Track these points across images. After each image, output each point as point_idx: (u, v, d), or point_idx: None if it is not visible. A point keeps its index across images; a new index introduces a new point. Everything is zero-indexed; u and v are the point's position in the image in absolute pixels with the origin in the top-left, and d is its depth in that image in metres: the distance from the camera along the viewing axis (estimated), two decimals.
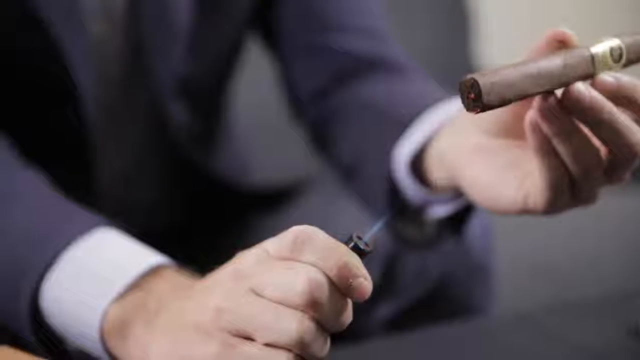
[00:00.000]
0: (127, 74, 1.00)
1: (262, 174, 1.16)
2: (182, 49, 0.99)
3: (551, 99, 0.67)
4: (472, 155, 0.77)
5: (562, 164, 0.71)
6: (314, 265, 0.62)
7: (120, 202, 1.04)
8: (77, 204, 0.81)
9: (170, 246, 0.84)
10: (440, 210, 0.89)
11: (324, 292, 0.61)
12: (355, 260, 0.62)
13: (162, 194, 1.10)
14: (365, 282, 0.62)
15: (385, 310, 1.00)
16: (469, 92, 0.64)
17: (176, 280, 0.72)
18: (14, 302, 0.76)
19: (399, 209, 0.91)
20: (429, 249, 0.94)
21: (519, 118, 0.73)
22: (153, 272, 0.73)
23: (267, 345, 0.62)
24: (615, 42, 0.69)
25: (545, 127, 0.68)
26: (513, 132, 0.76)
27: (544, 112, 0.68)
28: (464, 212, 0.89)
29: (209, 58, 1.05)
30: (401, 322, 1.00)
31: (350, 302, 0.63)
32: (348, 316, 0.63)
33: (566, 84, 0.67)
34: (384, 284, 1.00)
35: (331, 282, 0.62)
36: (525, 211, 0.75)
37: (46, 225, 0.78)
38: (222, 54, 1.07)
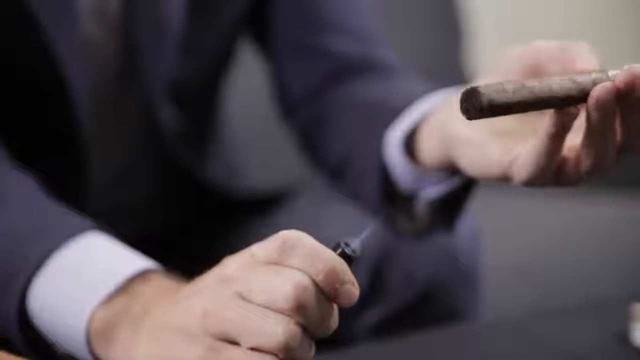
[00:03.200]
0: (119, 75, 1.00)
1: (252, 178, 1.16)
2: (175, 51, 1.00)
3: (608, 86, 0.67)
4: (468, 122, 0.76)
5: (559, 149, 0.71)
6: (300, 270, 0.62)
7: (111, 204, 1.04)
8: (67, 206, 0.81)
9: (159, 249, 0.85)
10: (431, 192, 0.89)
11: (310, 297, 0.62)
12: (342, 266, 0.62)
13: (152, 197, 1.10)
14: (352, 288, 0.62)
15: (371, 316, 1.00)
16: (468, 101, 0.65)
17: (162, 284, 0.73)
18: (2, 304, 0.76)
19: (389, 200, 0.91)
20: (419, 239, 0.95)
21: None
22: (140, 276, 0.74)
23: (253, 349, 0.62)
24: None
25: (596, 114, 0.68)
26: None
27: (600, 100, 0.67)
28: (455, 202, 0.90)
29: (201, 60, 1.05)
30: (387, 328, 1.00)
31: (336, 308, 0.63)
32: (334, 322, 0.63)
33: (570, 104, 0.68)
34: (371, 289, 1.00)
35: (318, 287, 0.62)
36: (505, 177, 0.76)
37: (35, 227, 0.78)
38: (215, 56, 1.08)
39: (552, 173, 0.73)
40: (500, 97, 0.65)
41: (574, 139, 0.72)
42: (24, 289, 0.76)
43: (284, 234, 0.63)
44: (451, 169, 0.84)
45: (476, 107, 0.65)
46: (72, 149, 0.96)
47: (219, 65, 1.10)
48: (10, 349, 0.74)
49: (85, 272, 0.74)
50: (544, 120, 0.70)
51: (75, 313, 0.73)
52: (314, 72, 1.06)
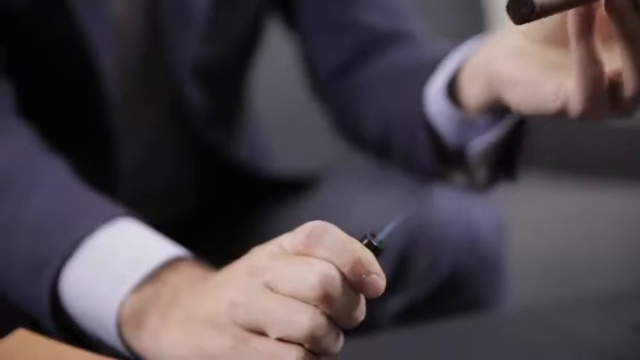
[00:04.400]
0: (145, 56, 1.00)
1: (282, 162, 1.16)
2: (200, 31, 1.00)
3: None
4: (513, 57, 0.75)
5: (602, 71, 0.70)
6: (327, 261, 0.62)
7: (142, 186, 1.04)
8: (98, 191, 0.82)
9: (187, 233, 0.85)
10: (481, 141, 0.86)
11: (336, 288, 0.62)
12: (369, 257, 0.63)
13: (180, 179, 1.11)
14: (378, 279, 0.63)
15: (396, 304, 1.01)
16: (516, 6, 0.64)
17: (192, 272, 0.73)
18: (35, 288, 0.77)
19: (441, 159, 0.90)
20: (482, 192, 0.93)
21: (562, 26, 0.72)
22: (170, 264, 0.74)
23: (280, 340, 0.63)
24: None
25: (616, 25, 0.67)
26: (555, 39, 0.75)
27: (616, 10, 0.67)
28: (509, 148, 0.88)
29: (227, 40, 1.05)
30: (411, 315, 1.00)
31: (363, 298, 0.64)
32: (361, 312, 0.64)
33: None
34: (395, 277, 1.00)
35: (344, 277, 0.62)
36: (562, 112, 0.74)
37: (67, 213, 0.79)
38: (241, 36, 1.07)
39: (606, 102, 0.72)
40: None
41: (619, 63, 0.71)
42: (56, 274, 0.76)
43: (311, 224, 0.64)
44: (499, 111, 0.83)
45: (525, 11, 0.63)
46: (102, 129, 0.97)
47: (245, 46, 1.10)
48: (38, 329, 0.75)
49: (116, 259, 0.75)
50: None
51: (106, 300, 0.74)
52: (344, 46, 1.05)
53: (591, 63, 0.70)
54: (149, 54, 1.00)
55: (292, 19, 1.10)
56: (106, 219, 0.77)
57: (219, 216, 1.12)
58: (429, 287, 1.00)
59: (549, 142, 1.90)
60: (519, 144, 0.87)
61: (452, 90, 0.86)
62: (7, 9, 0.90)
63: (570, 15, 0.69)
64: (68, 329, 0.78)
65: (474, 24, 1.94)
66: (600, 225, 1.60)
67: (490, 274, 1.02)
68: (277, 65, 1.31)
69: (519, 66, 0.75)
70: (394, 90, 0.97)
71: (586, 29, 0.68)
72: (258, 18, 1.09)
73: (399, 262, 1.00)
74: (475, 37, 0.87)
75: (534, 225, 1.54)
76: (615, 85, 0.72)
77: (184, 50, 1.00)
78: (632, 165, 1.78)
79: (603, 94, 0.71)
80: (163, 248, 0.75)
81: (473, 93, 0.82)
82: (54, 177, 0.83)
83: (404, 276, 1.00)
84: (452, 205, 0.99)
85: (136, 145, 1.03)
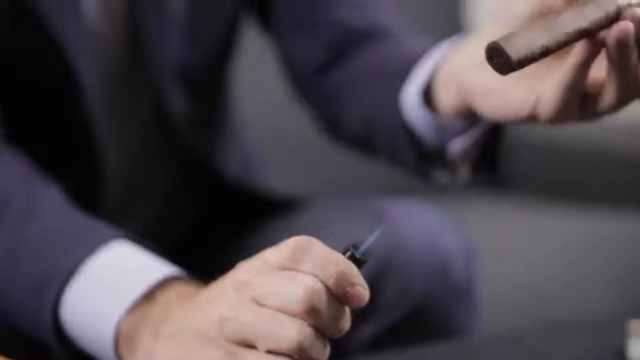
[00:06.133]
0: (126, 63, 1.02)
1: (269, 180, 1.18)
2: (179, 37, 1.01)
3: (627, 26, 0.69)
4: (482, 67, 0.77)
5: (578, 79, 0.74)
6: (312, 274, 0.64)
7: (127, 195, 1.06)
8: (91, 214, 0.85)
9: (175, 248, 0.86)
10: (458, 143, 0.89)
11: (322, 301, 0.64)
12: (352, 269, 0.65)
13: (168, 189, 1.12)
14: (362, 290, 0.65)
15: (368, 331, 1.01)
16: (495, 58, 0.67)
17: (182, 290, 0.75)
18: (37, 311, 0.80)
19: (423, 157, 0.92)
20: (467, 187, 0.95)
21: None
22: (162, 283, 0.76)
23: (269, 352, 0.64)
24: None
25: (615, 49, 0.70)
26: None
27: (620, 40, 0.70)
28: (488, 144, 0.90)
29: (205, 43, 1.07)
30: (383, 342, 1.01)
31: (347, 310, 0.66)
32: (346, 323, 0.66)
33: (589, 33, 0.70)
34: (367, 305, 1.01)
35: (329, 290, 0.64)
36: (532, 117, 0.77)
37: (64, 238, 0.81)
38: (218, 38, 1.09)
39: (576, 107, 0.75)
40: (527, 51, 0.67)
41: (597, 72, 0.74)
42: (58, 295, 0.79)
43: (295, 239, 0.65)
44: (473, 117, 0.85)
45: (506, 65, 0.66)
46: (86, 139, 0.98)
47: (223, 48, 1.11)
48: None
49: (112, 281, 0.77)
50: (560, 56, 0.72)
51: (103, 321, 0.76)
52: (319, 45, 1.07)
53: (579, 70, 0.73)
54: (129, 61, 1.02)
55: (266, 20, 1.11)
56: (102, 241, 0.80)
57: (208, 229, 1.13)
58: (400, 313, 1.00)
59: (525, 170, 1.93)
60: (498, 142, 0.90)
61: (428, 95, 0.88)
62: None
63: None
64: (70, 349, 0.80)
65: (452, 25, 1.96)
66: (578, 250, 1.61)
67: (461, 300, 1.02)
68: (272, 83, 1.32)
69: (488, 76, 0.78)
70: (373, 91, 0.99)
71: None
72: (234, 19, 1.10)
73: (370, 288, 1.01)
74: (450, 32, 0.89)
75: (511, 251, 1.55)
76: (589, 94, 0.75)
77: (164, 55, 1.01)
78: (609, 193, 1.82)
79: (577, 101, 0.75)
80: (156, 268, 0.78)
81: (447, 101, 0.86)
82: (50, 202, 0.85)
83: (376, 303, 1.01)
84: (421, 232, 0.99)
85: (122, 154, 1.04)
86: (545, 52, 0.68)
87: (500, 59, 0.67)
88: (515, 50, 0.66)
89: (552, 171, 1.92)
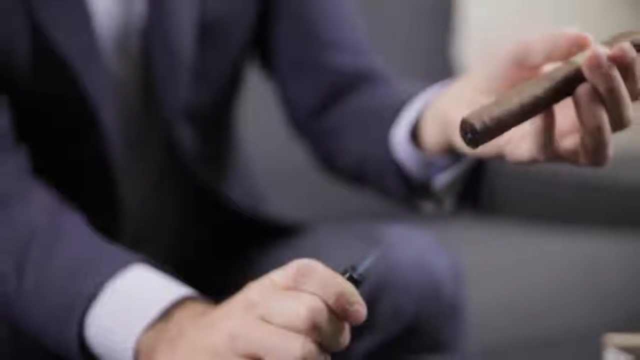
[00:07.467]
0: (140, 103, 1.07)
1: (273, 208, 1.23)
2: (189, 78, 1.06)
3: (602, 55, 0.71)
4: (464, 107, 0.81)
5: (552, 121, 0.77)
6: (314, 294, 0.71)
7: (143, 227, 1.11)
8: (105, 233, 0.90)
9: (187, 272, 0.93)
10: (443, 177, 0.96)
11: (323, 318, 0.70)
12: (350, 289, 0.71)
13: (181, 220, 1.17)
14: (360, 308, 0.72)
15: (363, 347, 1.06)
16: (467, 132, 0.72)
17: (196, 309, 0.81)
18: (63, 332, 0.85)
19: (412, 190, 0.99)
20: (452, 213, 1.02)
21: (506, 78, 0.80)
22: (177, 303, 0.82)
23: None
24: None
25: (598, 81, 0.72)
26: (500, 89, 0.82)
27: (596, 69, 0.72)
28: (472, 177, 0.97)
29: (213, 84, 1.12)
30: (378, 356, 1.06)
31: (347, 325, 0.72)
32: (345, 338, 0.72)
33: (555, 101, 0.73)
34: (363, 321, 1.06)
35: (330, 308, 0.71)
36: (500, 155, 0.82)
37: (87, 262, 0.87)
38: (225, 78, 1.14)
39: (546, 153, 0.78)
40: (493, 123, 0.71)
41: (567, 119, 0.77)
42: (82, 316, 0.84)
43: (299, 262, 0.72)
44: (456, 152, 0.91)
45: (475, 138, 0.71)
46: (103, 174, 1.03)
47: (229, 87, 1.17)
48: None
49: (132, 303, 0.83)
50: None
51: (124, 340, 0.82)
52: (317, 88, 1.14)
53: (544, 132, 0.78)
54: (143, 101, 1.07)
55: (269, 62, 1.17)
56: (123, 265, 0.85)
57: (218, 254, 1.19)
58: (393, 330, 1.05)
59: (511, 194, 1.98)
60: (480, 176, 0.97)
61: (415, 134, 0.95)
62: (10, 64, 0.96)
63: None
64: None
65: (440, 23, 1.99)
66: (561, 272, 1.66)
67: (450, 317, 1.07)
68: (275, 118, 1.36)
69: (461, 114, 0.82)
70: (364, 130, 1.06)
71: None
72: (240, 60, 1.16)
73: (367, 307, 1.06)
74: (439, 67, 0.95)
75: (498, 272, 1.59)
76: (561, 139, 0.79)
77: (173, 95, 1.06)
78: (591, 216, 1.86)
79: (548, 148, 0.78)
80: (172, 290, 0.84)
81: (432, 137, 0.92)
82: (75, 230, 0.91)
83: (371, 320, 1.06)
84: (413, 255, 1.04)
85: (137, 188, 1.09)
86: (506, 127, 0.71)
87: (470, 133, 0.71)
88: (480, 125, 0.70)
89: (537, 195, 1.96)
